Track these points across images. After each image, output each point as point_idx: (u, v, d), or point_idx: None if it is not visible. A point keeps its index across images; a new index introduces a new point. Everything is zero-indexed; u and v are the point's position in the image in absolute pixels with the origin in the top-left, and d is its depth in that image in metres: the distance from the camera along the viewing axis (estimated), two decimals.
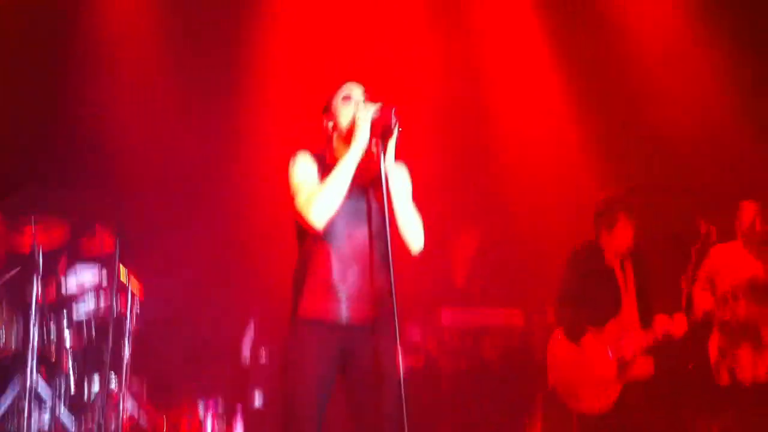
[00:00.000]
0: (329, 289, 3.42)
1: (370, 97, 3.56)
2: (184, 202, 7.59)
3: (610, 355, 5.14)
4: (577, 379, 5.25)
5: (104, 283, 6.52)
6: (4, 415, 5.86)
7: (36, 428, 5.87)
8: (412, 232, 3.46)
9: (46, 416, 5.95)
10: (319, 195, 3.36)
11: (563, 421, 6.40)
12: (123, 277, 6.28)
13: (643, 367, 5.21)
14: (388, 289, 3.27)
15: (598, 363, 5.17)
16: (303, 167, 3.50)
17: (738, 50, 6.90)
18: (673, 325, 5.14)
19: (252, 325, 7.25)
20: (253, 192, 7.57)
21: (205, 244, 7.54)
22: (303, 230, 3.49)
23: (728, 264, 5.61)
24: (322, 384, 3.41)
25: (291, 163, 3.53)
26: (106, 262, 6.36)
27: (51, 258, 6.37)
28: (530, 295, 6.89)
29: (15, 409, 5.92)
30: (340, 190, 3.36)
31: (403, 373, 3.18)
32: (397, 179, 3.47)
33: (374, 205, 3.48)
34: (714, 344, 5.54)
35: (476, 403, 6.48)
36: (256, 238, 7.51)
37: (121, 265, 6.07)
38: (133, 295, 6.44)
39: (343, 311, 3.41)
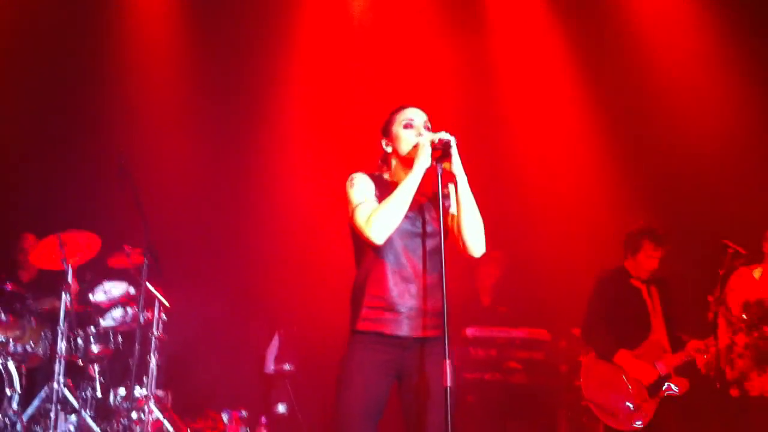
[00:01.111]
0: (388, 305, 3.51)
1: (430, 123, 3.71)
2: (211, 218, 7.68)
3: (660, 370, 5.19)
4: (613, 396, 5.27)
5: (131, 294, 6.62)
6: (32, 419, 5.93)
7: (63, 430, 5.93)
8: (475, 235, 3.61)
9: (73, 420, 6.02)
10: (380, 212, 3.48)
11: None
12: (150, 287, 6.36)
13: (679, 384, 5.24)
14: (440, 305, 3.40)
15: (636, 381, 5.21)
16: (362, 187, 3.61)
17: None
18: (703, 348, 5.20)
19: (277, 337, 7.28)
20: (277, 207, 7.65)
21: (230, 259, 7.61)
22: (361, 248, 3.63)
23: (753, 286, 5.63)
24: (377, 394, 3.52)
25: (348, 183, 3.62)
26: (133, 275, 6.45)
27: (80, 271, 6.49)
28: (556, 317, 6.89)
29: (42, 414, 5.99)
30: (402, 208, 3.49)
31: (449, 385, 3.26)
32: (463, 185, 3.61)
33: (430, 226, 3.62)
34: (736, 364, 5.55)
35: (499, 415, 6.46)
36: (280, 252, 7.57)
37: (147, 282, 6.15)
38: (160, 305, 6.52)
39: (401, 325, 3.53)
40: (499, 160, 7.54)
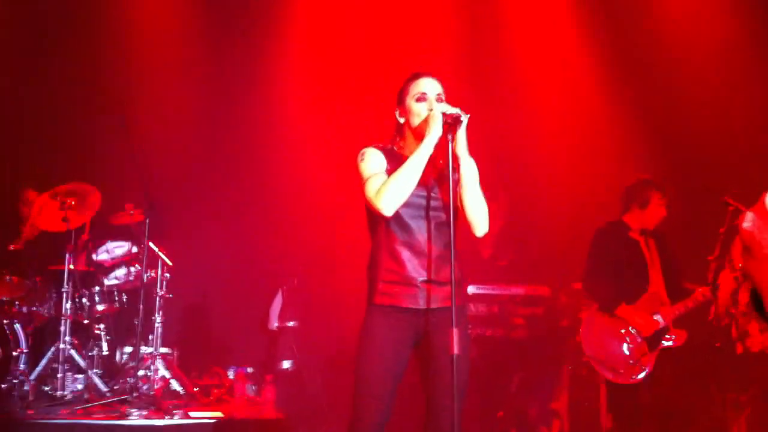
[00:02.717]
0: (403, 279, 3.58)
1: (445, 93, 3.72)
2: (212, 176, 7.68)
3: (659, 321, 5.22)
4: (614, 351, 5.31)
5: (134, 253, 6.65)
6: (40, 377, 6.01)
7: (70, 389, 6.02)
8: (479, 216, 3.66)
9: (80, 378, 6.10)
10: (390, 183, 3.53)
11: (590, 390, 6.45)
12: (153, 247, 6.38)
13: (677, 336, 5.27)
14: (449, 275, 3.48)
15: (636, 335, 5.24)
16: (373, 160, 3.65)
17: None
18: (710, 295, 5.22)
19: (280, 294, 7.33)
20: (279, 163, 7.64)
21: (233, 216, 7.63)
22: (375, 222, 3.69)
23: None
24: (395, 361, 3.61)
25: (359, 158, 3.66)
26: (136, 234, 6.47)
27: (82, 229, 6.51)
28: (556, 272, 6.91)
29: (49, 373, 6.07)
30: (412, 179, 3.53)
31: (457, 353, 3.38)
32: (467, 166, 3.65)
33: (440, 199, 3.65)
34: (739, 321, 5.57)
35: (501, 370, 6.53)
36: (283, 209, 7.58)
37: (149, 242, 6.17)
38: (163, 264, 6.55)
39: (417, 299, 3.61)
40: (502, 111, 7.49)
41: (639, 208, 5.44)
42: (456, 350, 3.36)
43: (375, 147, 3.70)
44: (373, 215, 3.65)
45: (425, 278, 3.59)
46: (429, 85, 3.69)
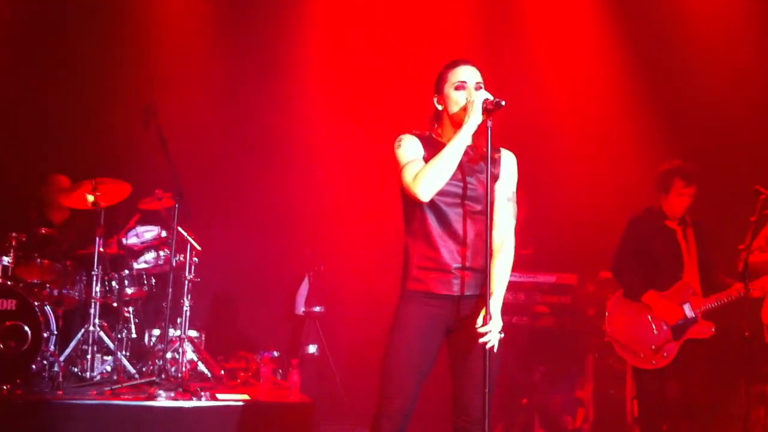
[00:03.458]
0: (438, 265, 3.59)
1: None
2: (240, 161, 7.71)
3: (687, 311, 5.18)
4: (637, 335, 5.28)
5: (163, 238, 6.71)
6: (69, 359, 6.10)
7: (99, 370, 6.10)
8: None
9: (109, 360, 6.18)
10: (428, 169, 3.53)
11: (616, 379, 6.43)
12: (182, 231, 6.44)
13: (704, 328, 5.23)
14: (484, 263, 3.51)
15: (661, 321, 5.21)
16: (410, 146, 3.65)
17: None
18: (735, 292, 5.16)
19: (307, 279, 7.36)
20: (307, 147, 7.66)
21: (261, 201, 7.66)
22: (410, 209, 3.68)
23: None
24: (425, 346, 3.62)
25: (396, 144, 3.66)
26: (165, 218, 6.52)
27: (112, 214, 6.58)
28: (582, 260, 6.88)
29: (79, 355, 6.16)
30: (450, 166, 3.54)
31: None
32: (507, 167, 3.72)
33: (476, 188, 3.64)
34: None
35: (527, 358, 6.52)
36: (310, 194, 7.61)
37: (178, 226, 6.23)
38: (191, 248, 6.60)
39: (451, 285, 3.60)
40: (524, 100, 7.44)
41: (664, 194, 5.39)
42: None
43: (412, 134, 3.71)
44: (408, 201, 3.66)
45: (460, 265, 3.59)
46: (468, 73, 3.69)
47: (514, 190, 3.77)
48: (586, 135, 7.48)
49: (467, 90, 3.64)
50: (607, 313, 5.51)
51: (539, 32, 7.77)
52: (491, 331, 3.47)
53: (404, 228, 3.73)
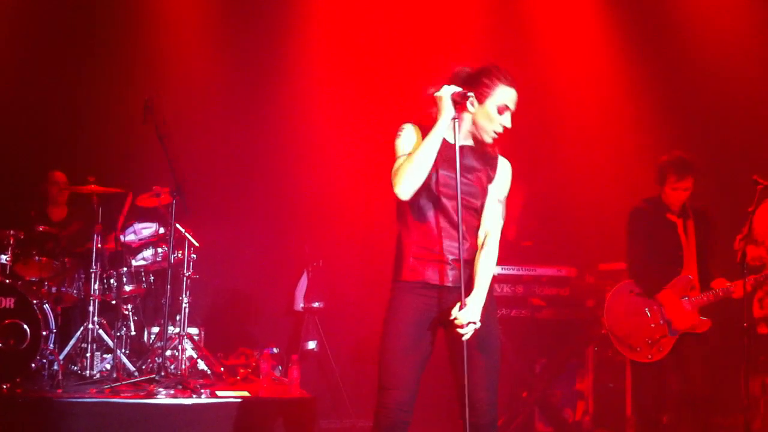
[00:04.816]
0: (433, 255, 3.58)
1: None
2: (238, 157, 7.70)
3: (686, 306, 5.16)
4: (634, 329, 5.26)
5: (161, 234, 6.70)
6: (68, 357, 6.09)
7: (99, 368, 6.10)
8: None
9: (108, 357, 6.17)
10: (402, 168, 3.51)
11: (615, 371, 6.43)
12: (180, 228, 6.43)
13: (701, 324, 5.22)
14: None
15: (660, 315, 5.21)
16: (407, 139, 3.62)
17: None
18: (730, 288, 5.14)
19: (305, 275, 7.35)
20: (305, 144, 7.65)
21: (259, 197, 7.66)
22: (405, 201, 3.64)
23: None
24: (420, 348, 3.60)
25: (398, 133, 3.67)
26: (163, 215, 6.51)
27: (110, 211, 6.56)
28: (581, 252, 6.88)
29: (78, 352, 6.15)
30: (423, 165, 3.49)
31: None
32: (502, 173, 3.70)
33: (470, 183, 3.62)
34: (765, 302, 5.51)
35: (526, 351, 6.53)
36: (309, 190, 7.60)
37: (176, 223, 6.22)
38: (189, 245, 6.60)
39: (445, 276, 3.60)
40: (525, 90, 7.42)
41: (661, 186, 5.37)
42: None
43: (414, 124, 3.66)
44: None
45: (455, 257, 3.57)
46: (515, 100, 3.65)
47: (506, 194, 3.75)
48: (586, 127, 7.47)
49: (503, 115, 3.61)
50: (605, 305, 5.49)
51: (540, 23, 7.76)
52: (464, 320, 3.43)
53: (397, 218, 3.70)
